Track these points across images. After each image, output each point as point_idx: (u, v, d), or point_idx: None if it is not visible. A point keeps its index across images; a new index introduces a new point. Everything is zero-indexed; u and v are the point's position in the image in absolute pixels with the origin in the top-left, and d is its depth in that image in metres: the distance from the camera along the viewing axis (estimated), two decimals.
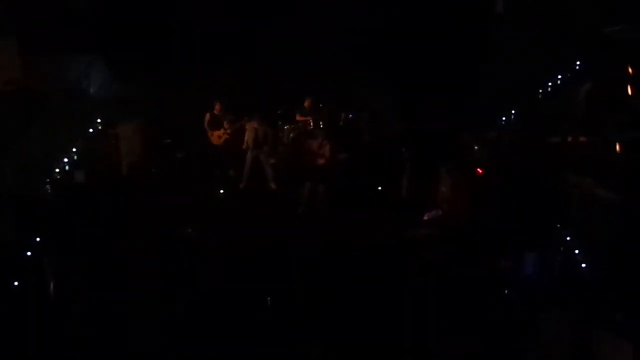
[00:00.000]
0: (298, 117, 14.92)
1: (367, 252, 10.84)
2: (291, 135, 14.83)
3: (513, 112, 14.63)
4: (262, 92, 15.01)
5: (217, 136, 14.20)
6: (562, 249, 10.26)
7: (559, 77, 15.02)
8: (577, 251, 10.15)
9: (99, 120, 14.49)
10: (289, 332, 9.04)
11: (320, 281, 9.91)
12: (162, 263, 10.29)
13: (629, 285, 9.24)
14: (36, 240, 10.30)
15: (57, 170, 13.00)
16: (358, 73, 15.24)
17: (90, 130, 14.35)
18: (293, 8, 15.49)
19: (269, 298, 9.63)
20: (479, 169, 12.63)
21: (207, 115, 14.14)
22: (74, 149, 13.56)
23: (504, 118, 14.57)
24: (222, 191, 13.41)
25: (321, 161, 12.87)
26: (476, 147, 13.45)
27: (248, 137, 13.65)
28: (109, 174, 13.75)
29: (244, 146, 13.71)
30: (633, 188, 10.84)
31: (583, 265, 9.98)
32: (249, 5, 15.55)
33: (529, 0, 15.43)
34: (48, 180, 12.62)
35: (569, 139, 13.67)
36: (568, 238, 10.34)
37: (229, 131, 14.12)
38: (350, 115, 15.39)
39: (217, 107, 14.14)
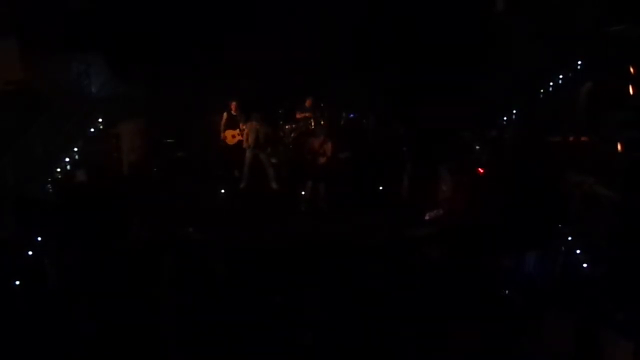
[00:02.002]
0: (299, 117, 14.91)
1: (368, 251, 10.84)
2: (292, 134, 14.81)
3: (514, 111, 14.62)
4: (263, 92, 14.99)
5: (232, 136, 14.05)
6: (563, 248, 10.25)
7: (560, 76, 15.01)
8: (578, 250, 10.15)
9: (99, 120, 14.47)
10: (290, 330, 9.04)
11: (322, 280, 9.91)
12: (163, 261, 10.29)
13: (629, 284, 9.24)
14: (37, 240, 10.29)
15: (59, 169, 13.00)
16: (359, 72, 15.22)
17: (91, 129, 14.33)
18: (294, 8, 15.49)
19: (270, 296, 9.63)
20: (480, 169, 12.63)
21: (225, 115, 13.97)
22: (75, 149, 13.56)
23: (505, 117, 14.56)
24: (222, 190, 13.41)
25: (322, 160, 12.88)
26: (477, 147, 13.44)
27: (248, 136, 13.63)
28: (110, 173, 13.77)
29: (245, 145, 13.70)
30: (634, 187, 10.83)
31: (584, 264, 9.98)
32: (249, 5, 15.56)
33: None
34: (49, 179, 12.62)
35: (570, 138, 13.68)
36: (569, 237, 10.33)
37: (244, 131, 13.87)
38: (352, 115, 15.39)
39: (234, 106, 13.94)
